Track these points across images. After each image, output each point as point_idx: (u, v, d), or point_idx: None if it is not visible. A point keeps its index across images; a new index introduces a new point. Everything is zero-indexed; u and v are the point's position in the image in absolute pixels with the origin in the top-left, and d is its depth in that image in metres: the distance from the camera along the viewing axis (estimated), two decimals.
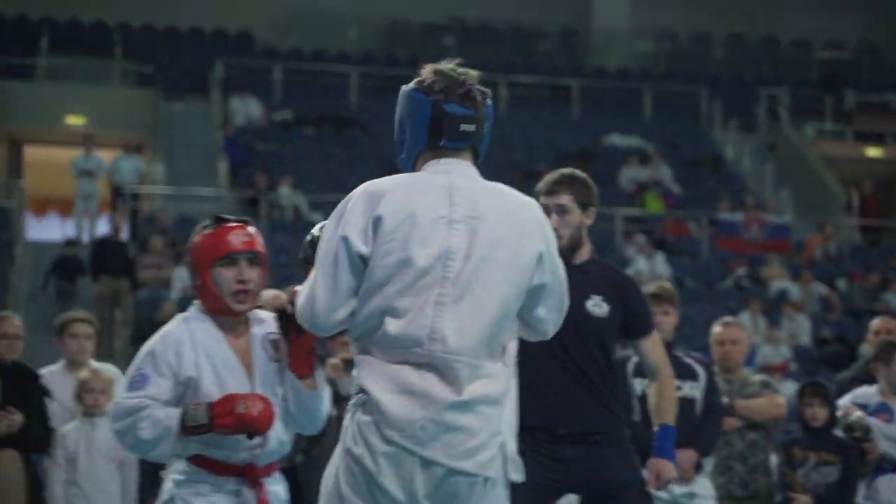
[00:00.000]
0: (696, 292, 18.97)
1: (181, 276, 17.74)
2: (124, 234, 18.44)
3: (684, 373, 6.76)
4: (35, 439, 6.49)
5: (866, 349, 7.45)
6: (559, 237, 4.69)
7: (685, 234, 20.88)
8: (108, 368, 7.04)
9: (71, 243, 18.79)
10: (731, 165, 23.38)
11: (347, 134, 22.30)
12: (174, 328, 4.11)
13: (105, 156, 20.65)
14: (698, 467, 6.66)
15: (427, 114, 3.51)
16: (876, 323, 7.86)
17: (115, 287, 17.57)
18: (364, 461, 3.44)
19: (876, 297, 18.48)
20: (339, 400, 6.77)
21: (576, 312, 4.63)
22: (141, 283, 17.81)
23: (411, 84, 3.61)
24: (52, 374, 6.98)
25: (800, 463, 6.78)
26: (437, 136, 3.51)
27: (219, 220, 4.17)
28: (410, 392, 3.36)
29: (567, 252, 4.84)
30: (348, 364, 6.70)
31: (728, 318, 7.53)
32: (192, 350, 4.02)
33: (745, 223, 20.42)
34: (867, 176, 22.51)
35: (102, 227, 19.86)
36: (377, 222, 3.42)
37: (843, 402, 7.07)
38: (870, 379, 7.16)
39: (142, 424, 3.93)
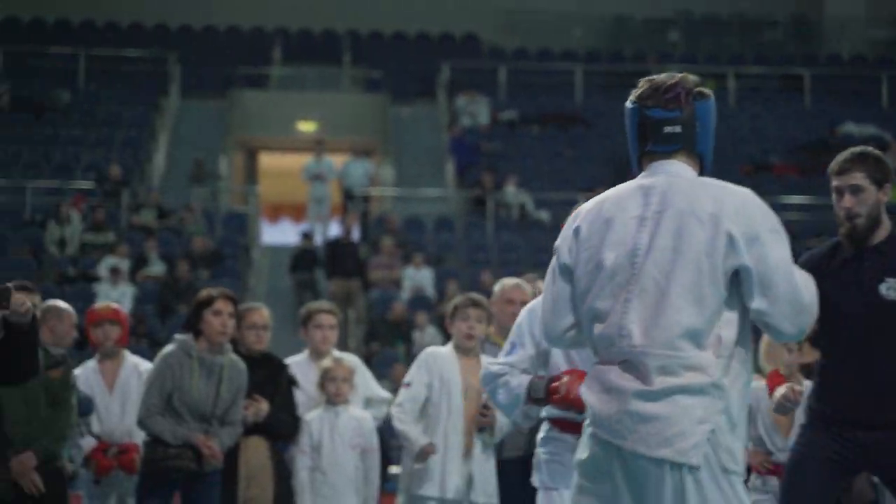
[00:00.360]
0: None
1: (411, 276, 17.96)
2: (355, 236, 18.80)
3: None
4: (282, 427, 6.63)
5: None
6: (855, 216, 4.75)
7: None
8: (351, 358, 7.14)
9: (307, 236, 19.30)
10: None
11: (572, 132, 22.22)
12: (535, 304, 4.72)
13: (335, 160, 21.11)
14: None
15: (636, 120, 3.70)
16: None
17: (348, 287, 17.91)
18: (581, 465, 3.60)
19: None
20: None
21: (868, 296, 4.69)
22: (372, 284, 18.10)
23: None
24: (297, 364, 7.12)
25: None
26: (644, 140, 3.69)
27: None
28: (608, 389, 3.50)
29: (865, 232, 4.80)
30: None
31: None
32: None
33: None
34: None
35: (334, 230, 20.28)
36: (577, 232, 3.66)
37: None
38: None
39: (499, 390, 4.57)
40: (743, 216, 3.53)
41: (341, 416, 6.68)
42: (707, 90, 3.73)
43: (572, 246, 3.64)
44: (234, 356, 6.50)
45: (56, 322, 6.44)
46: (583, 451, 3.56)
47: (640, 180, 3.68)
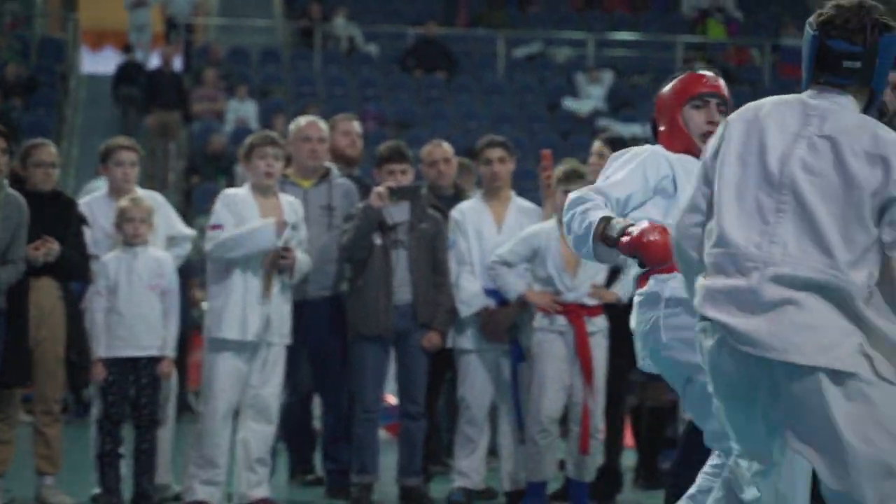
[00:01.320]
0: None
1: (234, 109, 17.63)
2: (177, 66, 18.30)
3: None
4: (72, 267, 6.43)
5: None
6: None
7: (747, 61, 20.39)
8: (152, 196, 6.95)
9: (129, 48, 18.83)
10: None
11: None
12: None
13: None
14: None
15: (815, 47, 3.56)
16: None
17: (167, 120, 17.49)
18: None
19: None
20: (385, 229, 6.66)
21: None
22: (194, 116, 17.72)
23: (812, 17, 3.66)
24: (96, 201, 6.91)
25: None
26: (820, 71, 3.55)
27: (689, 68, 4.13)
28: (748, 301, 3.39)
29: None
30: (394, 192, 6.55)
31: None
32: (670, 167, 4.23)
33: None
34: None
35: (155, 61, 19.70)
36: (728, 135, 3.53)
37: None
38: None
39: (576, 218, 4.00)
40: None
41: (139, 257, 6.48)
42: (893, 22, 3.57)
43: (721, 147, 3.51)
44: (11, 191, 6.20)
45: None
46: (716, 365, 3.44)
47: (805, 98, 3.56)
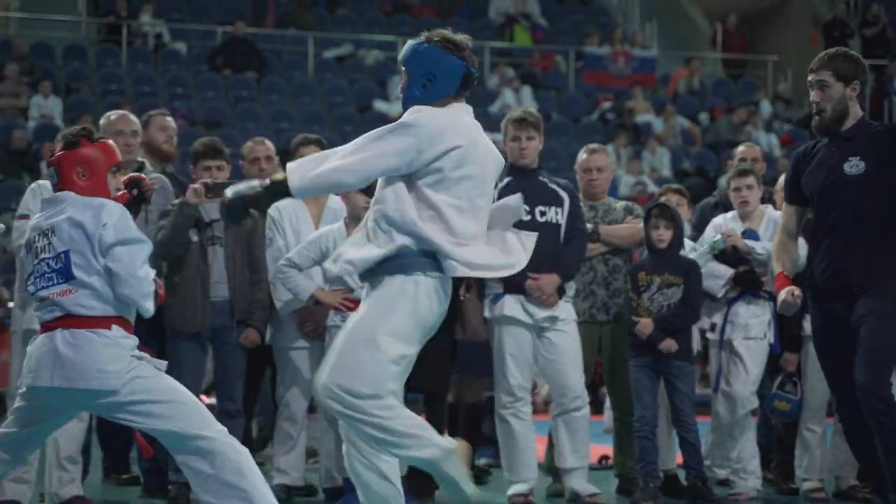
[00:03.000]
0: (562, 126, 19.05)
1: (38, 105, 17.24)
2: None
3: (549, 198, 6.79)
4: None
5: (725, 180, 7.50)
6: (821, 110, 5.52)
7: (552, 67, 20.86)
8: None
9: None
10: None
11: None
12: None
13: None
14: (561, 292, 6.73)
15: (462, 72, 4.78)
16: (740, 150, 7.95)
17: None
18: None
19: (738, 130, 18.76)
20: (202, 226, 6.65)
21: (836, 174, 5.48)
22: None
23: (440, 42, 4.81)
24: None
25: (645, 286, 6.82)
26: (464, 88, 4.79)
27: None
28: None
29: (830, 123, 5.55)
30: (210, 189, 6.55)
31: (594, 146, 7.48)
32: None
33: (612, 57, 20.46)
34: (732, 10, 22.64)
35: None
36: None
37: (707, 232, 7.15)
38: (730, 205, 7.26)
39: None
40: None
41: None
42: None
43: None
44: None
45: None
46: None
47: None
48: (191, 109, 17.90)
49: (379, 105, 19.03)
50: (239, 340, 6.65)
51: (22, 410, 4.80)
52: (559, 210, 6.77)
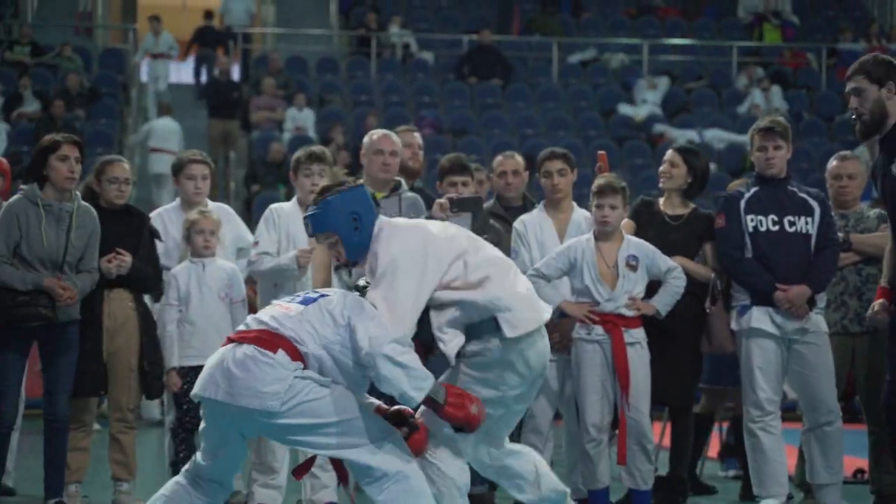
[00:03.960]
0: (814, 126, 18.56)
1: (293, 117, 17.83)
2: (235, 76, 18.53)
3: (799, 208, 6.64)
4: (146, 279, 6.61)
5: None
6: (861, 115, 5.53)
7: (804, 65, 20.35)
8: (221, 208, 7.12)
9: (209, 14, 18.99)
10: None
11: None
12: None
13: None
14: (812, 303, 6.58)
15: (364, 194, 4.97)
16: None
17: (227, 128, 17.72)
18: None
19: None
20: None
21: (888, 179, 5.49)
22: (254, 125, 17.94)
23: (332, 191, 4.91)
24: (167, 212, 7.08)
25: None
26: None
27: None
28: None
29: (871, 127, 5.56)
30: (455, 203, 6.67)
31: (845, 153, 7.31)
32: None
33: (868, 53, 19.81)
34: None
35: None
36: None
37: None
38: None
39: None
40: None
41: (208, 268, 6.66)
42: None
43: None
44: (84, 203, 6.41)
45: None
46: None
47: None
48: (438, 118, 18.21)
49: (623, 109, 18.94)
50: None
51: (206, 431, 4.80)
52: (809, 220, 6.61)
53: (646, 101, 18.99)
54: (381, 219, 4.96)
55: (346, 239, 4.88)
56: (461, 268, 4.86)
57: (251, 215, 16.31)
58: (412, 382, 4.56)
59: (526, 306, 4.89)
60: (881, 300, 5.69)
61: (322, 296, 4.77)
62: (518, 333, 4.83)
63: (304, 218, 4.99)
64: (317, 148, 6.91)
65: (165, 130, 17.11)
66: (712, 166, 17.57)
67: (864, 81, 5.56)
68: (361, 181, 5.07)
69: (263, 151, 17.00)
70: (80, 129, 17.05)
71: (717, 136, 18.23)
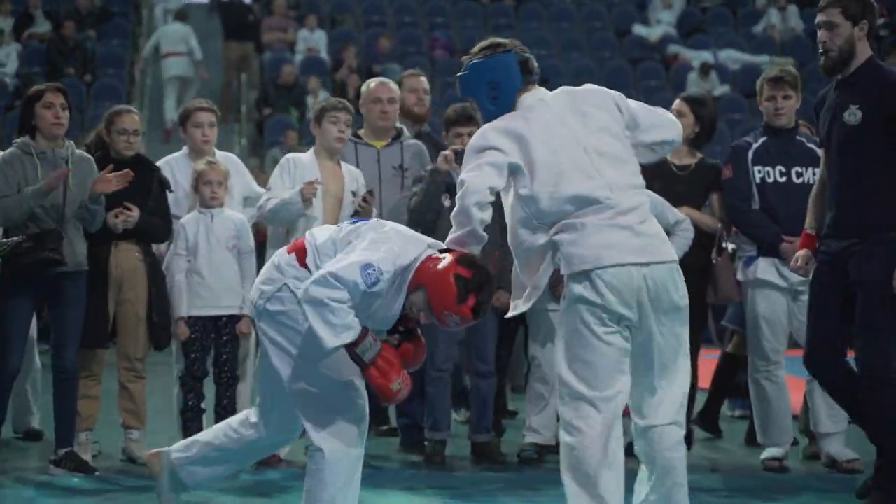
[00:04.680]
0: None
1: (305, 39, 17.71)
2: None
3: (806, 158, 6.62)
4: (154, 231, 6.63)
5: None
6: (828, 50, 5.44)
7: None
8: (228, 158, 7.10)
9: None
10: None
11: None
12: None
13: None
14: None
15: (514, 61, 4.65)
16: None
17: (243, 51, 17.62)
18: None
19: None
20: (454, 191, 6.72)
21: (837, 122, 5.44)
22: (265, 46, 17.82)
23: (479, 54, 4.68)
24: (176, 161, 7.03)
25: None
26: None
27: None
28: None
29: (836, 65, 5.47)
30: (461, 155, 6.64)
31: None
32: None
33: None
34: None
35: None
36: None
37: None
38: None
39: None
40: None
41: (216, 219, 6.65)
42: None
43: None
44: (79, 151, 6.41)
45: None
46: None
47: None
48: (450, 39, 18.07)
49: (638, 29, 18.76)
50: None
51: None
52: (816, 170, 6.59)
53: (660, 22, 18.80)
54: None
55: (481, 105, 4.67)
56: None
57: (263, 139, 16.31)
58: (328, 328, 4.35)
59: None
60: (804, 250, 5.69)
61: (364, 222, 4.71)
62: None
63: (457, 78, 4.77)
64: (339, 100, 6.86)
65: (176, 35, 16.98)
66: (726, 88, 17.57)
67: (839, 16, 5.44)
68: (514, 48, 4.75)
69: (275, 73, 16.91)
70: (92, 50, 16.99)
71: (732, 57, 18.07)
